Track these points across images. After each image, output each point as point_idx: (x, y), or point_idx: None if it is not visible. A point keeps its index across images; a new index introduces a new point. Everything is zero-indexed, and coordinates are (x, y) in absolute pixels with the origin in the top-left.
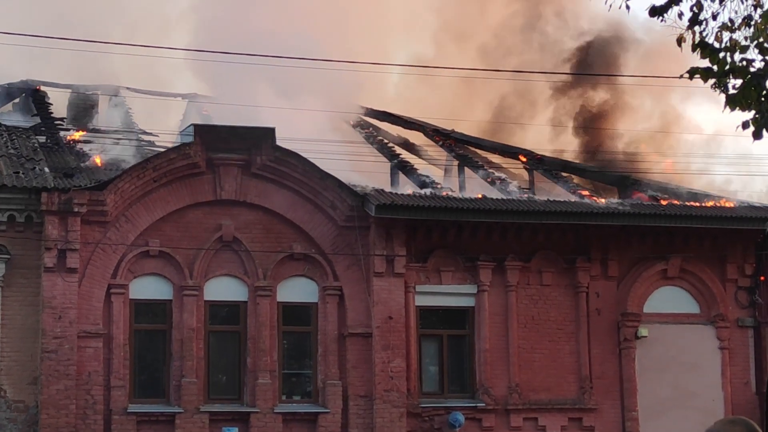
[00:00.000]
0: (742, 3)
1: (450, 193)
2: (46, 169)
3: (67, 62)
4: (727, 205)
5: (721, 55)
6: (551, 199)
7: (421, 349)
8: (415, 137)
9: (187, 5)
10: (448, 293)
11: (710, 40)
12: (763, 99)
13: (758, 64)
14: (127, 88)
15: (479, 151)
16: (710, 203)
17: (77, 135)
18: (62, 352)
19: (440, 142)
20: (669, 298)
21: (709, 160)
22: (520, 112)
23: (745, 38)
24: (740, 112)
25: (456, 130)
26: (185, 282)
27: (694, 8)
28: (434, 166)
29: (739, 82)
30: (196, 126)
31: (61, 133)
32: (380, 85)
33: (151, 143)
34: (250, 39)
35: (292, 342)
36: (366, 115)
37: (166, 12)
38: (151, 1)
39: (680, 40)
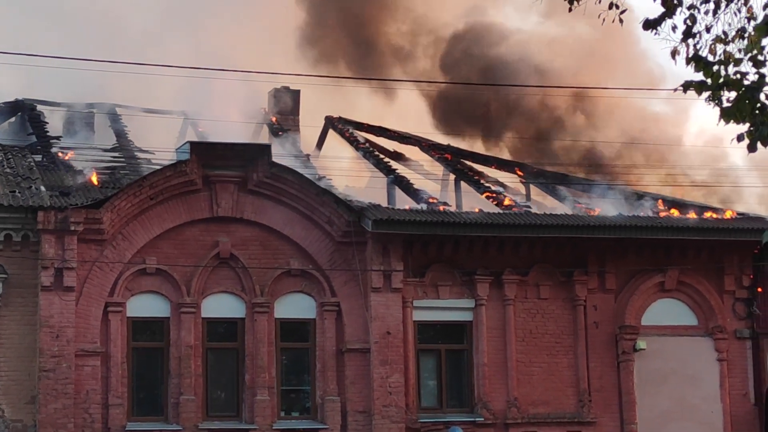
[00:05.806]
0: (736, 15)
1: (447, 207)
2: (43, 188)
3: (63, 81)
4: (724, 216)
5: (715, 68)
6: (548, 212)
7: (419, 363)
8: (411, 152)
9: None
10: (446, 308)
11: (704, 53)
12: (757, 112)
13: (752, 77)
14: (123, 106)
15: (475, 165)
16: (709, 214)
17: (71, 154)
18: (60, 371)
19: (436, 157)
20: (667, 311)
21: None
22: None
23: (739, 51)
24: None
25: (451, 144)
26: (183, 299)
27: (688, 21)
28: (430, 181)
29: (733, 95)
30: (192, 143)
31: (57, 152)
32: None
33: (147, 161)
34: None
35: (291, 358)
36: (355, 128)
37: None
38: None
39: (674, 53)
